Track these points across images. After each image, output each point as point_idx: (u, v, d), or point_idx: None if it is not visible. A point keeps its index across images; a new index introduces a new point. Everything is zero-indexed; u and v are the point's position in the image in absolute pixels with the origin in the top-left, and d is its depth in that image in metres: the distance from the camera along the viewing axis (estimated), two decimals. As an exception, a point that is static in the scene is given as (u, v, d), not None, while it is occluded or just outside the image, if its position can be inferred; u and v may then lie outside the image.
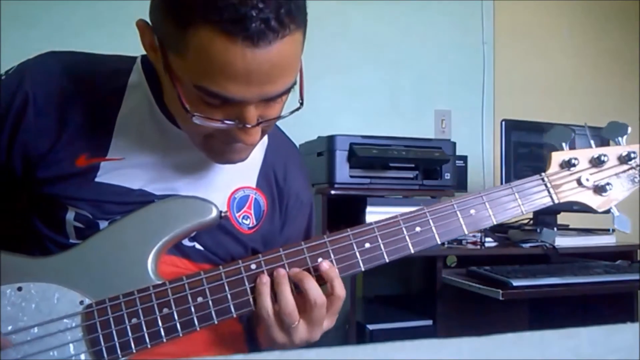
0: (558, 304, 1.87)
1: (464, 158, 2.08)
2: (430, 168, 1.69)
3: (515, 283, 1.41)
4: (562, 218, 1.94)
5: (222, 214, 0.78)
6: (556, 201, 0.83)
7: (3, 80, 0.77)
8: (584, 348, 0.35)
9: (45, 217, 0.77)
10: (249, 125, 0.68)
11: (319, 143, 1.67)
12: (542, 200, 0.82)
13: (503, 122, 1.90)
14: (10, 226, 0.81)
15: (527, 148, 1.94)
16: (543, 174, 0.84)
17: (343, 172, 1.58)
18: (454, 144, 1.73)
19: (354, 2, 2.18)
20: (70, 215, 0.76)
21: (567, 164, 0.84)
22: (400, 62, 2.25)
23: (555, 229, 1.83)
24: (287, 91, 0.70)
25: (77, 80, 0.77)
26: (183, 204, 0.78)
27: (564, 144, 0.85)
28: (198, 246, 0.81)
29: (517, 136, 1.93)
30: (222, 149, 0.74)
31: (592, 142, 0.86)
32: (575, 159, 0.84)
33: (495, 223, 0.80)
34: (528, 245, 1.77)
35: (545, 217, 1.86)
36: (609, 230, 1.90)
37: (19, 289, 0.72)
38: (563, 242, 1.79)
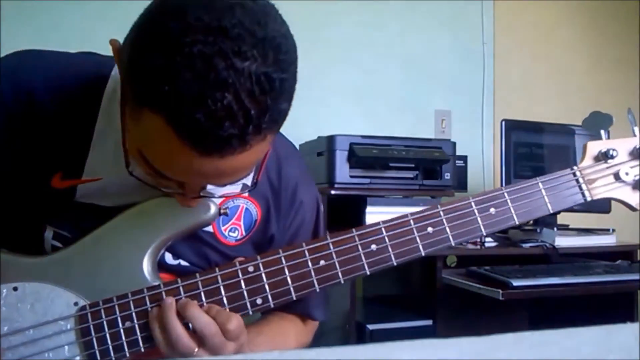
0: (558, 304, 1.87)
1: (464, 158, 2.08)
2: (430, 168, 1.69)
3: (515, 283, 1.41)
4: (562, 218, 1.93)
5: (222, 210, 0.75)
6: (588, 198, 0.73)
7: None
8: (584, 348, 0.35)
9: (24, 231, 0.75)
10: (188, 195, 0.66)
11: (319, 143, 1.66)
12: (572, 197, 0.73)
13: (503, 122, 1.90)
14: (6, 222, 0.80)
15: (527, 148, 1.94)
16: (575, 167, 0.74)
17: (343, 172, 1.58)
18: (454, 144, 1.73)
19: (355, 2, 2.18)
20: (48, 234, 0.74)
21: (605, 156, 0.74)
22: (401, 62, 2.25)
23: (555, 229, 1.83)
24: (242, 178, 0.65)
25: (52, 85, 0.71)
26: None
27: (602, 132, 0.76)
28: (184, 263, 0.78)
29: (517, 136, 1.93)
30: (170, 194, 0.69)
31: (635, 129, 0.75)
32: (614, 150, 0.74)
33: (517, 223, 0.72)
34: (528, 245, 1.77)
35: (546, 217, 1.85)
36: (609, 230, 1.90)
37: (15, 288, 0.70)
38: (563, 242, 1.79)
